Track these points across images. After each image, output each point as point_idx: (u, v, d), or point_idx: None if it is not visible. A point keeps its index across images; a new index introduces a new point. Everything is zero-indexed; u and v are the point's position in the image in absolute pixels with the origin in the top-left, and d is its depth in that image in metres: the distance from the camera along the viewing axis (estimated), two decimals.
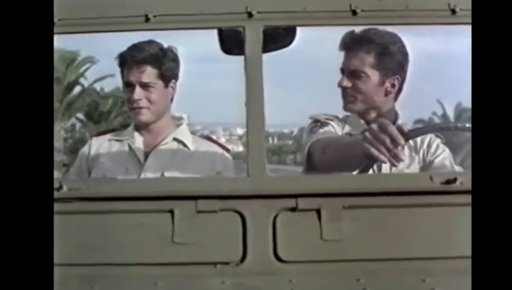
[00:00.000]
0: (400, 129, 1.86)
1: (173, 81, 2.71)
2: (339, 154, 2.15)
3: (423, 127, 2.22)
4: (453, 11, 1.90)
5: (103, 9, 1.92)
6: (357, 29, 2.42)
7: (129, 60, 2.64)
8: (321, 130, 2.42)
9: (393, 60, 2.45)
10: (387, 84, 2.46)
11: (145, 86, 2.64)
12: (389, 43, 2.43)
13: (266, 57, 1.87)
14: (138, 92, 2.63)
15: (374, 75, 2.43)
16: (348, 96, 2.46)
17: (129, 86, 2.65)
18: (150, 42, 2.66)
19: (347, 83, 2.44)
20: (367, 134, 1.87)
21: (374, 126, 1.87)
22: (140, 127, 2.73)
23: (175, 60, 2.73)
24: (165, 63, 2.66)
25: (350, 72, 2.45)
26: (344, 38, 2.47)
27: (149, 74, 2.64)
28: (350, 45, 2.46)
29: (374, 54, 2.42)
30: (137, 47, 2.65)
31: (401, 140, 1.84)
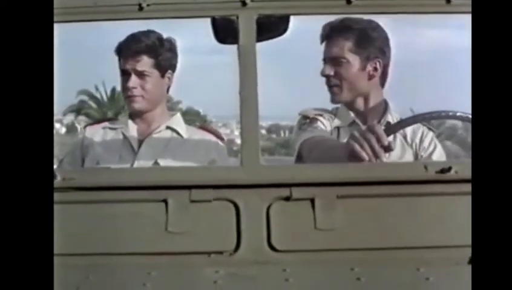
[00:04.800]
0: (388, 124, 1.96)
1: (169, 71, 2.72)
2: (324, 155, 2.18)
3: (411, 118, 2.22)
4: (448, 0, 1.90)
5: None
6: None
7: (125, 49, 2.66)
8: (310, 128, 2.44)
9: (372, 44, 2.48)
10: (369, 68, 2.48)
11: (140, 74, 2.65)
12: (366, 28, 2.46)
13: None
14: (134, 80, 2.64)
15: (355, 60, 2.46)
16: (333, 85, 2.48)
17: (125, 74, 2.66)
18: (149, 32, 2.67)
19: (329, 71, 2.47)
20: (355, 132, 1.96)
21: (363, 126, 1.99)
22: (135, 116, 2.74)
23: (173, 50, 2.74)
24: (161, 53, 2.67)
25: (331, 59, 2.47)
26: (324, 28, 2.50)
27: (145, 63, 2.65)
28: (329, 34, 2.49)
29: (352, 40, 2.45)
30: (134, 37, 2.66)
31: (385, 140, 1.92)
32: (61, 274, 1.54)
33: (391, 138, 2.38)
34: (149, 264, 1.67)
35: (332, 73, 2.47)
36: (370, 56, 2.47)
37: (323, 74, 2.49)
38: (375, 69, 2.49)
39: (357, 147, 1.91)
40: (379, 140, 1.92)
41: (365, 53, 2.46)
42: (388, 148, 1.95)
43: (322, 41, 2.52)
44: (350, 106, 2.53)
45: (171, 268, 1.68)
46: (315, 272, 1.66)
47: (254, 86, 1.81)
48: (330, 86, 2.49)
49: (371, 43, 2.47)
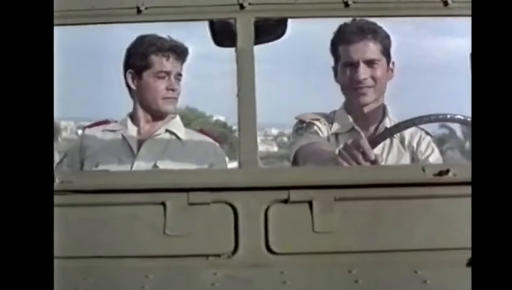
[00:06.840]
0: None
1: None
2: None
3: (408, 121, 2.23)
4: (445, 3, 1.90)
5: (95, 2, 1.91)
6: (347, 20, 2.43)
7: (165, 47, 2.65)
8: (306, 133, 2.43)
9: (389, 46, 2.50)
10: (389, 69, 2.51)
11: (176, 77, 2.68)
12: (381, 30, 2.46)
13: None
14: (175, 83, 2.66)
15: (383, 62, 2.47)
16: (364, 87, 2.44)
17: (163, 75, 2.66)
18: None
19: (366, 74, 2.43)
20: (342, 150, 2.00)
21: (349, 143, 2.02)
22: (157, 118, 2.74)
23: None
24: (186, 59, 2.71)
25: (367, 62, 2.43)
26: (342, 30, 2.46)
27: (179, 66, 2.68)
28: (353, 36, 2.43)
29: (379, 41, 2.45)
30: (162, 39, 2.66)
31: (372, 154, 1.96)
32: (59, 277, 1.54)
33: (387, 145, 2.40)
34: (147, 267, 1.67)
35: (368, 76, 2.43)
36: (389, 58, 2.49)
37: (359, 78, 2.42)
38: (391, 70, 2.52)
39: (345, 165, 1.95)
40: (365, 155, 1.95)
41: (387, 55, 2.48)
42: (374, 163, 1.97)
43: (342, 43, 2.47)
44: (349, 110, 2.52)
45: (169, 271, 1.68)
46: (313, 275, 1.67)
47: (252, 89, 1.82)
48: (361, 88, 2.44)
49: (389, 45, 2.50)
